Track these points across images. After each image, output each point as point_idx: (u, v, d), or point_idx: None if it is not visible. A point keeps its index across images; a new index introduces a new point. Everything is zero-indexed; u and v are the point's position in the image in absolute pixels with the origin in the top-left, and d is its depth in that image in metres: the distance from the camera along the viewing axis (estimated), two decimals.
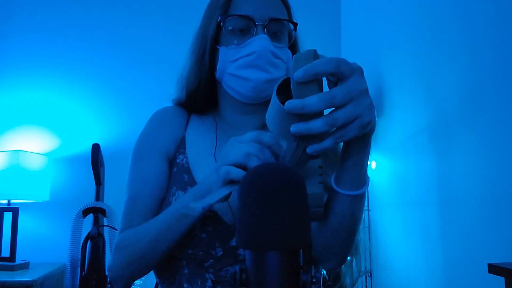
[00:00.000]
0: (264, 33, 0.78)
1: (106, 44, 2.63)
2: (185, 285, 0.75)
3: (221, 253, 0.75)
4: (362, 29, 2.49)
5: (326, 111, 0.51)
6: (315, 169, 0.58)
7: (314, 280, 0.42)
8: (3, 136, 2.50)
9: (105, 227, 1.84)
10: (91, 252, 1.74)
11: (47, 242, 2.41)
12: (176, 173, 0.82)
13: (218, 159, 0.62)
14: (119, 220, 0.85)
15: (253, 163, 0.56)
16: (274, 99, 0.53)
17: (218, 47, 0.81)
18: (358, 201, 0.65)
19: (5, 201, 2.24)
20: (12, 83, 2.55)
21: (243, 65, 0.78)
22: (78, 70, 2.59)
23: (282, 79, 0.56)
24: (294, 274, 0.42)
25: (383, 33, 2.16)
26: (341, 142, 0.54)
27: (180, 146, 0.85)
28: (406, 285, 1.82)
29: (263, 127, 0.84)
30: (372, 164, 2.17)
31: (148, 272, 0.77)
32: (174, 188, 0.80)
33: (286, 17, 0.83)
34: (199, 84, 0.85)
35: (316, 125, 0.50)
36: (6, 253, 2.09)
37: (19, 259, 2.13)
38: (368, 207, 2.14)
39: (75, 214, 1.84)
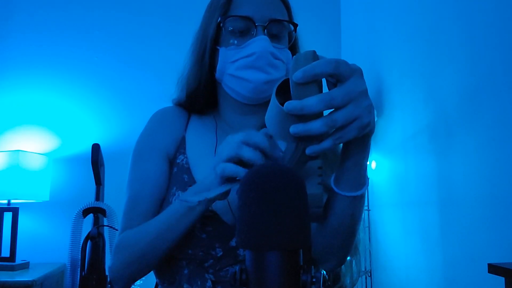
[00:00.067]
0: (264, 34, 0.78)
1: (106, 44, 2.63)
2: (185, 286, 0.75)
3: (221, 253, 0.75)
4: (362, 29, 2.49)
5: (326, 112, 0.52)
6: (314, 169, 0.58)
7: (314, 280, 0.42)
8: (3, 136, 2.50)
9: (105, 227, 1.84)
10: (91, 252, 1.74)
11: (47, 242, 2.41)
12: (176, 173, 0.82)
13: (215, 159, 0.62)
14: (119, 220, 0.85)
15: (245, 152, 0.58)
16: (274, 100, 0.53)
17: (218, 47, 0.81)
18: (357, 202, 0.65)
19: (5, 201, 2.24)
20: (12, 83, 2.55)
21: (242, 66, 0.78)
22: (78, 70, 2.59)
23: (282, 80, 0.56)
24: (294, 274, 0.42)
25: (383, 33, 2.16)
26: (340, 143, 0.54)
27: (180, 146, 0.85)
28: (406, 285, 1.82)
29: (263, 127, 0.84)
30: (372, 164, 2.17)
31: (148, 272, 0.77)
32: (174, 188, 0.80)
33: (287, 18, 0.83)
34: (199, 85, 0.85)
35: (315, 126, 0.50)
36: (6, 253, 2.09)
37: (19, 259, 2.13)
38: (368, 207, 2.14)
39: (75, 214, 1.84)
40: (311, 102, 0.49)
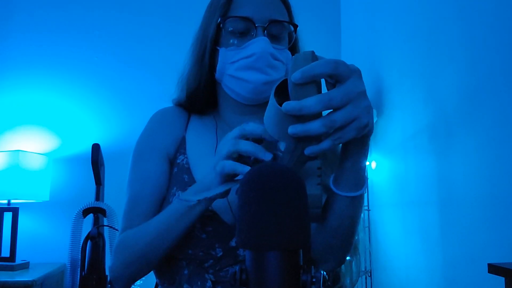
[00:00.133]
0: (264, 35, 0.78)
1: (106, 44, 2.63)
2: (185, 286, 0.76)
3: (221, 253, 0.75)
4: (362, 29, 2.49)
5: (325, 113, 0.52)
6: (314, 170, 0.58)
7: (314, 280, 0.42)
8: (3, 136, 2.50)
9: (105, 227, 1.84)
10: (91, 252, 1.74)
11: (47, 242, 2.41)
12: (176, 173, 0.82)
13: (214, 157, 0.63)
14: (119, 220, 0.85)
15: (242, 146, 0.58)
16: (272, 100, 0.53)
17: (218, 48, 0.81)
18: (356, 202, 0.65)
19: (5, 201, 2.24)
20: (12, 83, 2.55)
21: (242, 67, 0.78)
22: (78, 70, 2.59)
23: (281, 80, 0.56)
24: (294, 274, 0.42)
25: (383, 33, 2.16)
26: (339, 143, 0.54)
27: (181, 146, 0.85)
28: (406, 285, 1.82)
29: None
30: (372, 164, 2.17)
31: (149, 272, 0.78)
32: (175, 188, 0.80)
33: (287, 19, 0.83)
34: (199, 85, 0.85)
35: (313, 126, 0.50)
36: (6, 253, 2.09)
37: (19, 259, 2.13)
38: (368, 207, 2.14)
39: (75, 214, 1.84)
40: (309, 102, 0.49)
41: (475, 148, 1.34)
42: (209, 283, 0.74)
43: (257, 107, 0.84)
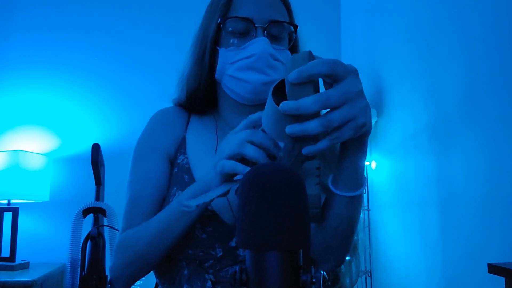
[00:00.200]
0: (264, 35, 0.78)
1: (106, 44, 2.63)
2: (185, 286, 0.76)
3: (221, 253, 0.75)
4: (362, 29, 2.49)
5: (323, 113, 0.52)
6: (312, 170, 0.58)
7: (314, 280, 0.42)
8: (3, 136, 2.50)
9: (105, 227, 1.84)
10: (91, 252, 1.74)
11: (47, 242, 2.41)
12: (176, 173, 0.82)
13: (216, 156, 0.62)
14: (119, 220, 0.85)
15: (248, 150, 0.57)
16: (270, 100, 0.53)
17: (218, 48, 0.81)
18: (355, 202, 0.65)
19: (5, 201, 2.24)
20: (12, 83, 2.55)
21: (242, 67, 0.78)
22: (78, 70, 2.59)
23: (279, 80, 0.56)
24: (294, 274, 0.42)
25: (383, 33, 2.16)
26: (336, 143, 0.54)
27: (181, 146, 0.85)
28: (406, 285, 1.82)
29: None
30: (372, 164, 2.17)
31: (149, 272, 0.78)
32: (175, 188, 0.80)
33: (287, 19, 0.83)
34: (199, 85, 0.85)
35: (311, 126, 0.50)
36: (6, 253, 2.09)
37: (19, 259, 2.13)
38: (368, 207, 2.14)
39: (75, 214, 1.83)
40: (306, 102, 0.49)
41: (475, 148, 1.34)
42: (209, 283, 0.74)
43: (256, 107, 0.84)
